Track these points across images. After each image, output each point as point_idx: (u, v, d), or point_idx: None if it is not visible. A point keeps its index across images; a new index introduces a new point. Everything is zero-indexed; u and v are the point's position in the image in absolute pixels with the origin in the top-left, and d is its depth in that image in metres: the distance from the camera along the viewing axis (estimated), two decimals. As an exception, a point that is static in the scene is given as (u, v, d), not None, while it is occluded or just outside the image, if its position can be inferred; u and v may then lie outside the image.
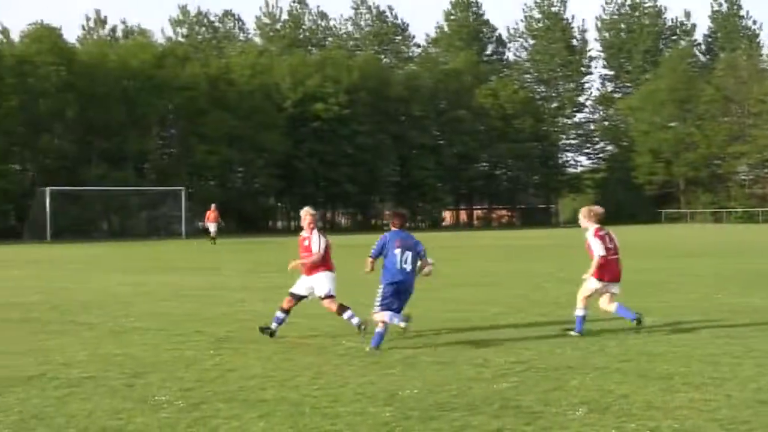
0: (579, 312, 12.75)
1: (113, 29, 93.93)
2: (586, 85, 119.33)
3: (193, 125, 76.00)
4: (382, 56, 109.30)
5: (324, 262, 12.78)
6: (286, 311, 12.76)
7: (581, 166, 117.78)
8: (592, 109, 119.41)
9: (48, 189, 60.94)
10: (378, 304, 11.76)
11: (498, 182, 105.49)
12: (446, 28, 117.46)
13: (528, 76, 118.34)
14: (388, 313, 11.60)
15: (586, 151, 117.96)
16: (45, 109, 67.66)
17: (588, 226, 12.98)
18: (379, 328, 11.60)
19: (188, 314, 15.65)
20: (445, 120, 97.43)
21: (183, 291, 20.02)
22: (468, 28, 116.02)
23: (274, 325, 12.67)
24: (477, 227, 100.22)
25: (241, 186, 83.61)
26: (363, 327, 12.18)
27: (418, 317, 14.72)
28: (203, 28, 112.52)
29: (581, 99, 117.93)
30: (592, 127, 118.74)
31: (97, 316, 15.47)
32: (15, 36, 75.52)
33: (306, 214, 13.02)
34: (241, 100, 78.80)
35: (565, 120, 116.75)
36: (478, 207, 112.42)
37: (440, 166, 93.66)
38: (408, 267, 11.88)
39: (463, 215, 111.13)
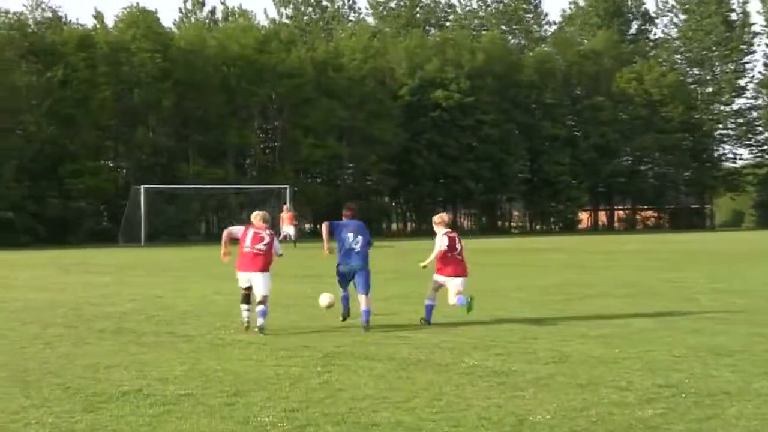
0: (428, 302, 16.31)
1: (212, 11, 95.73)
2: (748, 66, 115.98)
3: (298, 116, 76.65)
4: (510, 37, 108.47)
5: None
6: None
7: (741, 159, 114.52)
8: (754, 94, 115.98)
9: (143, 187, 62.18)
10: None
11: (643, 179, 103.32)
12: (582, 3, 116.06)
13: (678, 56, 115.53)
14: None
15: (747, 142, 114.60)
16: (140, 100, 69.06)
17: (439, 230, 16.93)
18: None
19: (293, 327, 15.85)
20: (581, 108, 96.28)
21: (286, 300, 20.23)
22: (607, 3, 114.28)
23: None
24: (618, 230, 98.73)
25: (351, 183, 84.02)
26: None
27: (552, 333, 14.65)
28: (310, 8, 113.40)
29: (741, 82, 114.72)
30: (754, 114, 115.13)
31: (195, 328, 15.78)
32: (109, 21, 77.31)
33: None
34: (351, 88, 79.17)
35: (722, 107, 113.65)
36: (620, 207, 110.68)
37: (576, 160, 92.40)
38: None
39: (602, 216, 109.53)
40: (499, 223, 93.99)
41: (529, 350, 12.78)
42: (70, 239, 61.40)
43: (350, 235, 16.42)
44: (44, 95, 65.56)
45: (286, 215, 50.66)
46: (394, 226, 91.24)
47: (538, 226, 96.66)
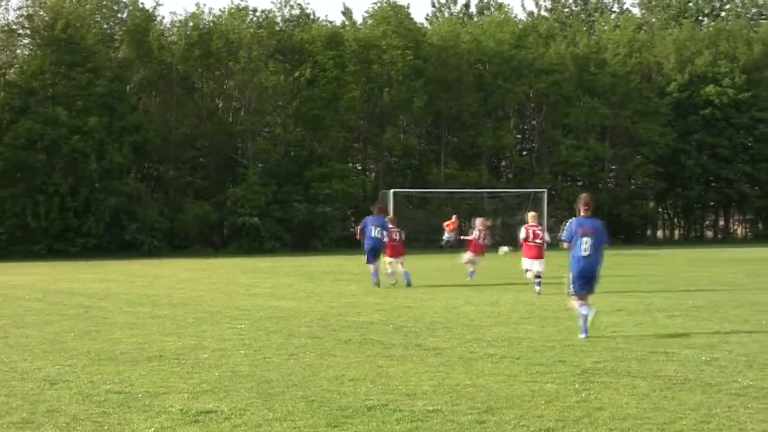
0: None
1: (466, 5, 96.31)
2: None
3: (557, 115, 76.34)
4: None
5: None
6: None
7: None
8: None
9: (392, 191, 63.03)
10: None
11: None
12: None
13: None
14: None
15: None
16: (390, 99, 70.17)
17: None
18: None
19: (549, 340, 15.78)
20: None
21: (541, 312, 20.20)
22: None
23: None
24: None
25: (614, 187, 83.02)
26: None
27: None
28: (571, 0, 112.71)
29: None
30: None
31: (444, 340, 15.92)
32: (358, 17, 79.00)
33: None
34: (614, 85, 78.20)
35: None
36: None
37: None
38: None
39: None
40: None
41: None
42: (316, 245, 63.01)
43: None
44: (291, 96, 67.56)
45: (453, 224, 53.20)
46: (659, 233, 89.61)
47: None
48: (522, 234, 26.38)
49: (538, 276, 25.57)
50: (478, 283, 29.70)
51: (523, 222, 27.41)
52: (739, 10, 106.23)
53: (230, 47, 66.23)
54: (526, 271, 26.43)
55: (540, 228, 26.79)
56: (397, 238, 30.67)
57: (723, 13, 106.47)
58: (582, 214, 16.83)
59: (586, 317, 16.40)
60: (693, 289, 26.46)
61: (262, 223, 62.17)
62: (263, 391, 11.33)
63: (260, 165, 67.14)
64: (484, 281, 30.30)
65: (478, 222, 34.17)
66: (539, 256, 26.04)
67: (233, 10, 68.83)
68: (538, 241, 26.22)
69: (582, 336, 16.04)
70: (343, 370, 12.80)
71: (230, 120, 68.70)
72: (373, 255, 29.50)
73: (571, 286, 16.87)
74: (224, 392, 11.22)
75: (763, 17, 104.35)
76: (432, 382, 11.82)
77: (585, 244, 16.56)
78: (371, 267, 29.42)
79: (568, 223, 17.12)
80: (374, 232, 29.50)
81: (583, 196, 17.27)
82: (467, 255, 32.60)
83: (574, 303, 16.82)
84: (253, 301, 24.16)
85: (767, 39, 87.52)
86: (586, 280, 16.76)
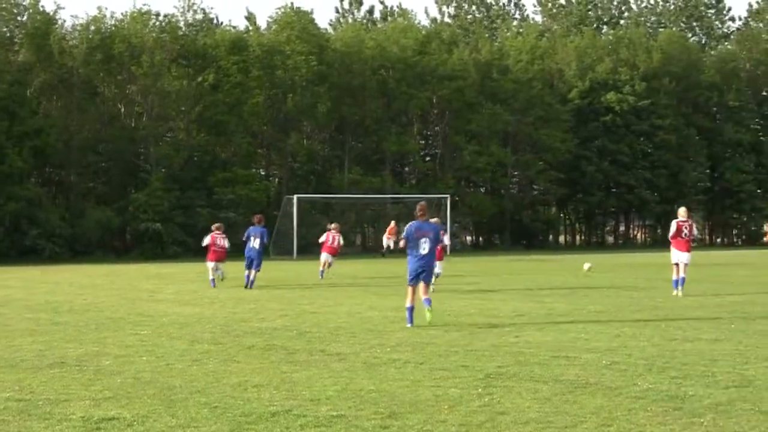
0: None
1: (370, 11, 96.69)
2: None
3: (460, 121, 76.89)
4: (689, 34, 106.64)
5: None
6: None
7: None
8: None
9: (295, 197, 62.99)
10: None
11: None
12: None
13: None
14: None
15: None
16: (294, 105, 70.12)
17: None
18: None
19: (452, 345, 15.85)
20: (767, 111, 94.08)
21: (444, 317, 20.28)
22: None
23: None
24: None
25: (516, 193, 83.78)
26: None
27: (733, 354, 14.31)
28: (473, 7, 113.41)
29: None
30: None
31: (348, 345, 15.92)
32: (262, 22, 78.77)
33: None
34: (517, 91, 78.97)
35: None
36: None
37: (761, 168, 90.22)
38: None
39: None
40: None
41: (707, 373, 12.52)
42: (221, 251, 62.64)
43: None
44: (194, 101, 67.18)
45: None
46: (561, 238, 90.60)
47: (718, 239, 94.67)
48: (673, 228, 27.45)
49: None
50: (389, 290, 29.76)
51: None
52: (638, 18, 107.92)
53: (133, 51, 65.62)
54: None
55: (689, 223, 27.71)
56: (221, 244, 33.09)
57: (622, 22, 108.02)
58: (420, 218, 19.50)
59: (411, 309, 18.84)
60: (594, 294, 26.78)
61: (165, 228, 61.70)
62: (166, 397, 11.23)
63: (163, 170, 66.66)
64: (391, 284, 30.41)
65: (333, 226, 39.00)
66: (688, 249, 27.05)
67: (136, 14, 68.15)
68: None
69: (408, 324, 18.50)
70: (246, 376, 12.74)
71: (133, 125, 68.10)
72: (250, 262, 31.82)
73: (408, 278, 19.42)
74: (126, 399, 11.10)
75: (662, 26, 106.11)
76: (336, 387, 11.80)
77: (423, 245, 19.14)
78: (246, 272, 31.59)
79: (408, 226, 19.69)
80: (253, 242, 31.98)
81: (421, 204, 19.99)
82: (323, 256, 36.93)
83: (408, 294, 19.28)
84: (155, 307, 23.96)
85: (666, 47, 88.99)
86: (420, 275, 19.25)
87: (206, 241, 33.28)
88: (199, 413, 10.28)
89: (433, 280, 23.84)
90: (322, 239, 38.23)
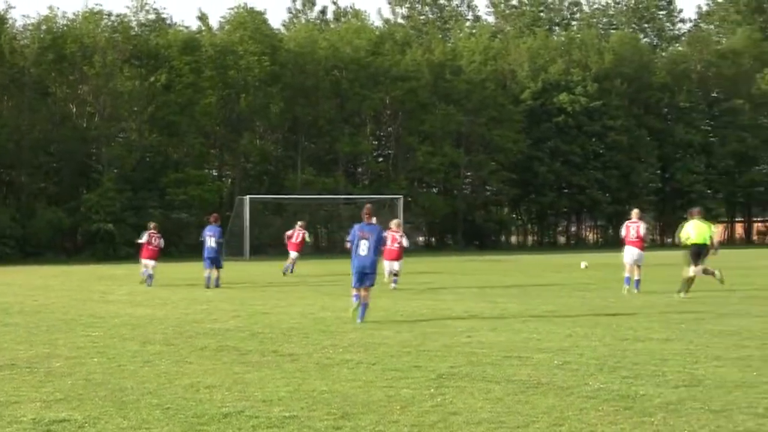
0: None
1: (323, 11, 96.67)
2: None
3: (413, 122, 76.96)
4: (642, 36, 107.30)
5: None
6: None
7: None
8: None
9: (247, 198, 62.82)
10: None
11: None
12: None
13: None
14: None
15: None
16: (246, 105, 69.97)
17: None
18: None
19: (405, 345, 15.86)
20: (718, 112, 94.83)
21: (397, 317, 20.32)
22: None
23: None
24: (757, 244, 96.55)
25: (469, 193, 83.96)
26: None
27: (683, 354, 14.41)
28: (426, 8, 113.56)
29: None
30: None
31: (301, 346, 15.89)
32: (215, 22, 78.47)
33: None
34: (470, 92, 79.17)
35: None
36: (759, 219, 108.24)
37: (711, 169, 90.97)
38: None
39: (738, 229, 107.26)
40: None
41: (657, 372, 12.60)
42: (172, 252, 62.24)
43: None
44: (147, 101, 66.84)
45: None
46: (513, 239, 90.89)
47: (669, 240, 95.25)
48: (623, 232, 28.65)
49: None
50: (343, 290, 29.75)
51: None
52: (590, 20, 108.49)
53: (85, 51, 65.24)
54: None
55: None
56: (155, 243, 34.60)
57: (574, 23, 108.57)
58: (365, 221, 20.31)
59: (365, 306, 19.67)
60: (546, 295, 26.89)
61: (117, 229, 61.33)
62: (117, 399, 11.17)
63: (115, 171, 66.30)
64: (344, 284, 30.41)
65: (300, 223, 41.41)
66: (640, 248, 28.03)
67: (88, 14, 67.77)
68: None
69: (359, 321, 19.22)
70: (198, 377, 12.69)
71: (85, 125, 67.67)
72: (210, 262, 32.36)
73: (353, 280, 20.20)
74: (78, 401, 11.03)
75: (614, 27, 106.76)
76: (288, 388, 11.78)
77: (363, 246, 19.87)
78: (206, 272, 32.02)
79: (353, 228, 20.58)
80: (209, 242, 32.55)
81: (367, 206, 20.94)
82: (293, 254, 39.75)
83: (352, 294, 20.41)
84: (107, 308, 23.82)
85: (618, 48, 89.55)
86: (362, 275, 19.92)
87: (143, 238, 34.90)
88: (150, 415, 10.23)
89: (384, 279, 24.15)
90: (288, 233, 40.80)
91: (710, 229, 26.22)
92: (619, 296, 25.80)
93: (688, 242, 25.88)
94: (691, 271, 25.55)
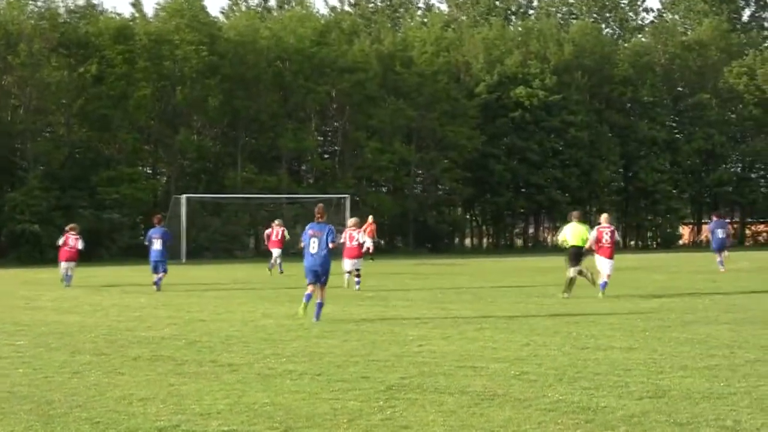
0: None
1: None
2: None
3: (361, 116, 76.85)
4: (603, 26, 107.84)
5: None
6: None
7: None
8: None
9: (184, 197, 62.54)
10: None
11: (754, 188, 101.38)
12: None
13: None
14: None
15: None
16: (183, 98, 69.67)
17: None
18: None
19: (352, 355, 15.86)
20: (683, 107, 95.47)
21: (345, 325, 20.31)
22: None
23: None
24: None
25: (420, 193, 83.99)
26: None
27: (647, 363, 14.51)
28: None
29: None
30: None
31: (241, 356, 15.86)
32: (149, 9, 78.09)
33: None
34: (421, 85, 79.09)
35: None
36: (727, 221, 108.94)
37: (676, 167, 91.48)
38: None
39: (705, 231, 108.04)
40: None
41: (620, 383, 12.68)
42: (103, 254, 61.89)
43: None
44: (76, 93, 66.24)
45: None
46: (468, 241, 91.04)
47: (632, 242, 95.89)
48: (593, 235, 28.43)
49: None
50: (286, 295, 29.71)
51: None
52: (549, 9, 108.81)
53: (9, 40, 64.55)
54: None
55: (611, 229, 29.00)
56: (72, 244, 36.42)
57: (532, 12, 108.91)
58: (316, 220, 21.87)
59: (320, 305, 21.36)
60: (502, 301, 26.97)
61: (44, 230, 60.71)
62: (44, 412, 11.10)
63: (41, 168, 65.76)
64: (286, 289, 30.37)
65: (277, 222, 43.83)
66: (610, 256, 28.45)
67: (12, 1, 67.07)
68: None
69: (315, 320, 20.87)
70: (131, 389, 12.64)
71: (9, 118, 66.98)
72: (155, 267, 33.26)
73: (307, 277, 21.64)
74: (0, 415, 10.95)
75: (574, 17, 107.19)
76: (227, 400, 11.76)
77: (314, 244, 21.49)
78: (155, 277, 32.96)
79: (306, 227, 22.14)
80: (155, 244, 33.51)
81: (318, 206, 22.30)
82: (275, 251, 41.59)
83: (305, 294, 21.70)
84: (33, 315, 23.66)
85: (578, 39, 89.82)
86: (314, 273, 21.49)
87: (60, 240, 36.85)
88: (79, 429, 10.18)
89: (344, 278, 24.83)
90: (267, 231, 43.31)
91: (587, 231, 28.09)
92: (578, 302, 25.91)
93: (566, 245, 27.99)
94: (571, 272, 27.43)
